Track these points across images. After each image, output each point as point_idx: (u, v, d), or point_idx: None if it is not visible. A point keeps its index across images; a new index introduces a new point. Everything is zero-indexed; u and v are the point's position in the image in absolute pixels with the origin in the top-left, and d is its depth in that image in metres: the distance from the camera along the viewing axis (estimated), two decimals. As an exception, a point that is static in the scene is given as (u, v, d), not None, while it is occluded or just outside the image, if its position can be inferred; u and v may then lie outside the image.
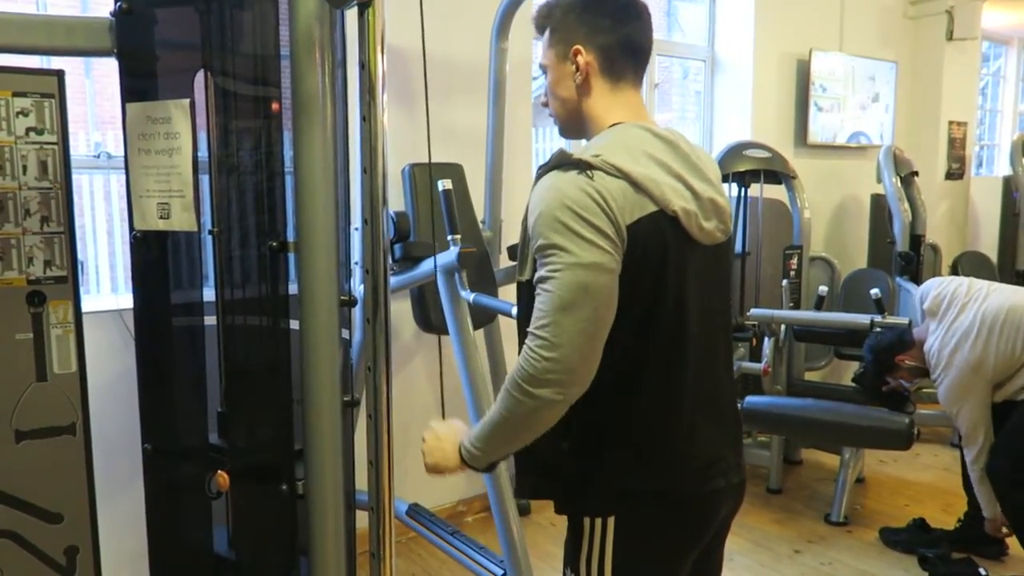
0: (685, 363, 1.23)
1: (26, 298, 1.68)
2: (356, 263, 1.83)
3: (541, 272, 1.14)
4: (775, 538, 3.18)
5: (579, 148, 1.22)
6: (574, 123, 1.32)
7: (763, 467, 3.69)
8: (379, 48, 1.35)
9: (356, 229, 1.48)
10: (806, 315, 3.60)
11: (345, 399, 1.48)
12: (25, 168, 1.66)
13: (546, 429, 1.19)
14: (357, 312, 1.61)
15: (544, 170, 1.19)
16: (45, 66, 1.96)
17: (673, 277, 1.19)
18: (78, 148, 2.72)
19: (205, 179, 1.59)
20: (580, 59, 1.26)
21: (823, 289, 3.66)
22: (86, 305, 2.55)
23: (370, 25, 1.33)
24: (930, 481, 3.80)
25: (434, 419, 1.41)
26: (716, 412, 1.31)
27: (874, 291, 3.44)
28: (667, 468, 1.25)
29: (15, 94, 1.64)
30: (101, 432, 1.97)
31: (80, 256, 2.66)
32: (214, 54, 1.54)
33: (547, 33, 1.30)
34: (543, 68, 1.33)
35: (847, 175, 4.82)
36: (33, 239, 1.68)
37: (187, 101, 1.56)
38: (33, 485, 1.71)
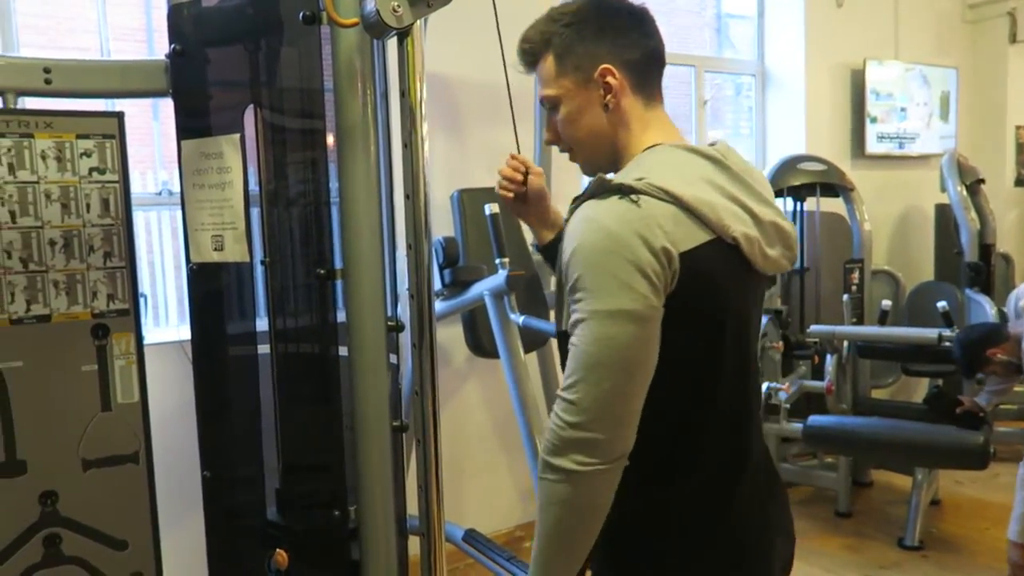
0: (749, 417, 1.11)
1: (91, 331, 1.74)
2: (407, 289, 1.86)
3: (571, 320, 0.98)
4: (846, 563, 3.06)
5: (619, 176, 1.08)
6: (605, 158, 1.15)
7: (830, 489, 3.57)
8: (418, 75, 1.37)
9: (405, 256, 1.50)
10: (870, 330, 3.49)
11: (394, 424, 1.49)
12: (88, 206, 1.73)
13: (601, 515, 1.00)
14: (407, 337, 1.63)
15: (579, 201, 1.04)
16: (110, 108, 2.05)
17: (734, 317, 1.04)
18: (146, 187, 2.84)
19: (255, 211, 1.63)
20: (612, 80, 1.10)
21: (887, 303, 3.54)
22: (153, 337, 2.65)
23: (409, 54, 1.36)
24: (1011, 503, 3.61)
25: None
26: (768, 470, 1.17)
27: (941, 304, 3.32)
28: (735, 544, 1.09)
29: (79, 136, 1.71)
30: (165, 461, 2.02)
31: (148, 289, 2.77)
32: (262, 90, 1.59)
33: (550, 62, 1.13)
34: (550, 101, 1.15)
35: (909, 185, 4.68)
36: (97, 274, 1.74)
37: (238, 136, 1.61)
38: (99, 513, 1.77)
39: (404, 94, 1.37)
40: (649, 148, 1.10)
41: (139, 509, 1.81)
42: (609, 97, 1.10)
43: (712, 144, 1.13)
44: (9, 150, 1.65)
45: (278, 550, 1.57)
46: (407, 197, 1.38)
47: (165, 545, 1.87)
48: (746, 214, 1.05)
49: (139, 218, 2.79)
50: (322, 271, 1.47)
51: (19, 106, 1.68)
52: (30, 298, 1.68)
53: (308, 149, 1.55)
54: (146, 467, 1.81)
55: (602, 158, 1.15)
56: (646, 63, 1.13)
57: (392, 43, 1.41)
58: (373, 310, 1.43)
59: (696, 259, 0.98)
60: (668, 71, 1.19)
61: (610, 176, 1.07)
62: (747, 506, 1.10)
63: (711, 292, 1.01)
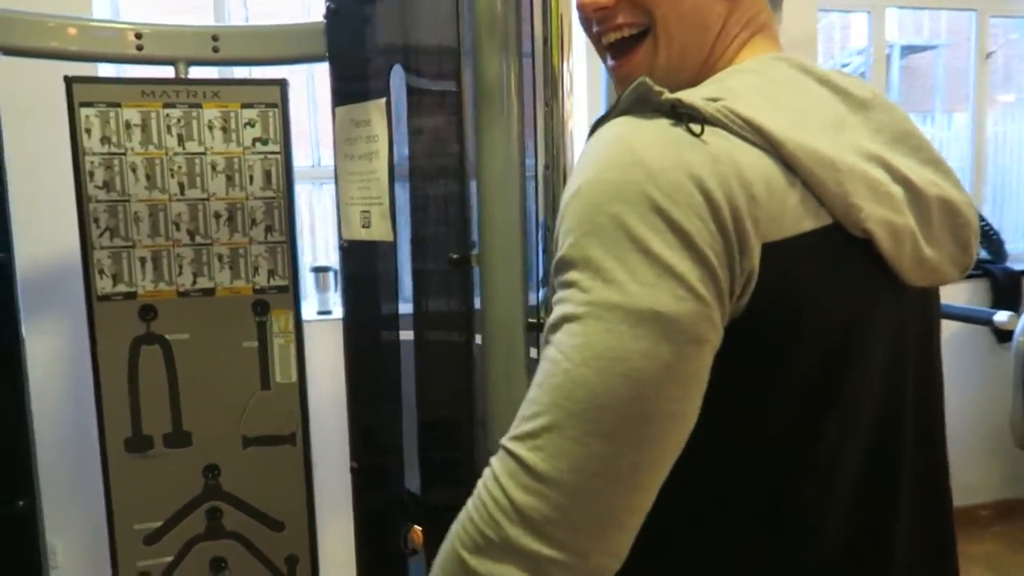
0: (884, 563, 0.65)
1: (252, 307, 1.71)
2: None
3: (553, 316, 0.56)
4: None
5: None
6: (691, 64, 0.68)
7: None
8: (565, 24, 1.12)
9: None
10: None
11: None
12: (251, 178, 1.68)
13: None
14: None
15: (605, 119, 0.60)
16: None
17: (862, 359, 0.60)
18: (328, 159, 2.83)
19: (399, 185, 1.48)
20: None
21: None
22: (338, 312, 2.65)
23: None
24: None
25: None
26: None
27: None
28: None
29: (243, 105, 1.67)
30: (329, 442, 1.97)
31: (323, 263, 2.77)
32: (409, 49, 1.42)
33: None
34: None
35: None
36: (258, 248, 1.70)
37: (383, 101, 1.46)
38: (258, 491, 1.74)
39: (546, 41, 1.12)
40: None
41: (296, 492, 1.76)
42: None
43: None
44: (179, 121, 1.64)
45: (415, 528, 1.45)
46: (546, 168, 1.14)
47: (322, 531, 1.81)
48: (896, 184, 0.60)
49: (324, 190, 2.80)
50: (455, 255, 1.28)
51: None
52: (196, 271, 1.67)
53: (453, 113, 1.36)
54: (303, 451, 1.76)
55: (687, 62, 0.67)
56: None
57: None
58: (507, 299, 1.21)
59: (792, 256, 0.55)
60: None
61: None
62: None
63: (813, 321, 0.57)
